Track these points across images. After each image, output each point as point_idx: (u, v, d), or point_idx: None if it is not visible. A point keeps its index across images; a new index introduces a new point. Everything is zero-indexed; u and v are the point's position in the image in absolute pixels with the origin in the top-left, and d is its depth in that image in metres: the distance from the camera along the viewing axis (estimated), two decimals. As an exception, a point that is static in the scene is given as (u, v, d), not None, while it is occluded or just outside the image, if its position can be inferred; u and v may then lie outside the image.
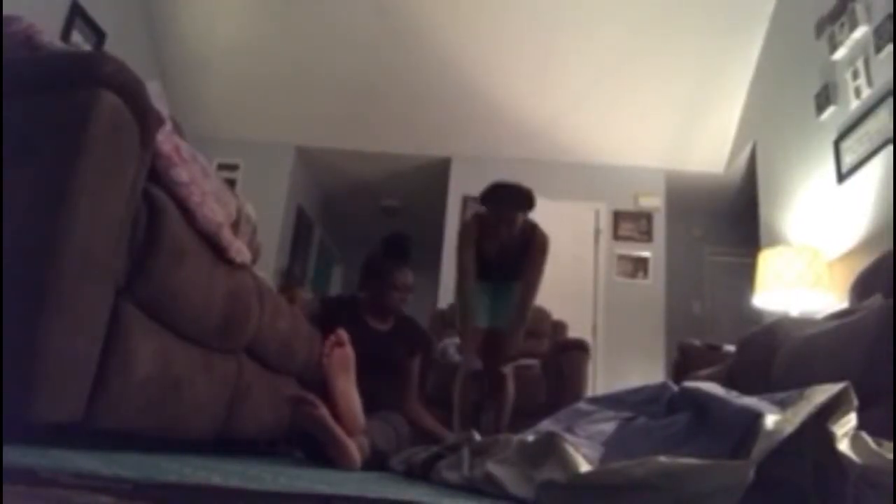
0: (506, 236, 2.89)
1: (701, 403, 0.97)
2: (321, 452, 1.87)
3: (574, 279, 5.46)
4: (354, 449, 1.84)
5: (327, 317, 2.59)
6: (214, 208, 1.47)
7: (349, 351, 2.06)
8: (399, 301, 2.65)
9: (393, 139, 5.90)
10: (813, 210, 3.78)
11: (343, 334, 2.07)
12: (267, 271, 4.19)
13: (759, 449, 0.73)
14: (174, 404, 1.41)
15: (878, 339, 1.30)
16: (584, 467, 0.89)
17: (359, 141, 5.97)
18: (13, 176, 1.00)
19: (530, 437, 1.11)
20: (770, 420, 0.75)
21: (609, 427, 1.17)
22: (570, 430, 1.20)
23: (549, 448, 0.96)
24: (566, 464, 0.90)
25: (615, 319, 5.43)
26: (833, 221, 3.50)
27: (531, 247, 2.96)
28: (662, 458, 0.77)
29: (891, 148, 2.98)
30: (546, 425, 1.31)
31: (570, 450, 0.93)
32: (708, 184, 5.91)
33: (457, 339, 3.36)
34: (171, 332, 1.39)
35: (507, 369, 3.00)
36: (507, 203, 2.85)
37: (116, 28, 4.65)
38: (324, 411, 1.84)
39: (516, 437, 1.17)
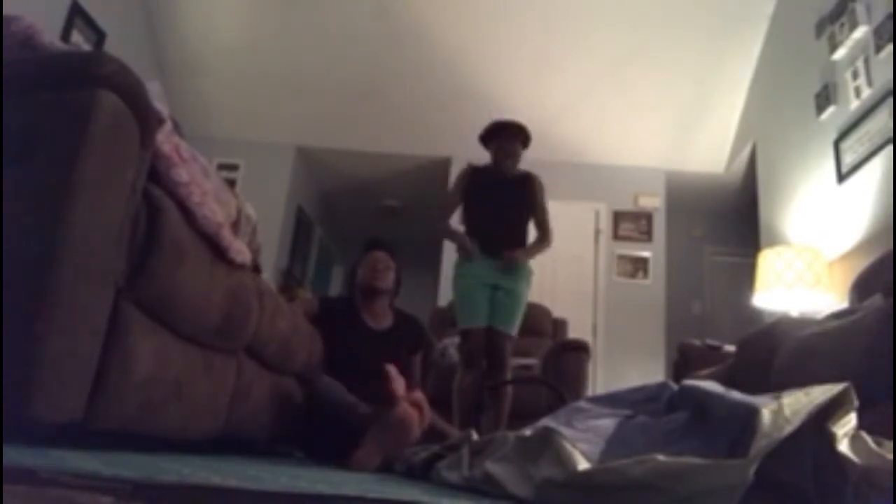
0: (508, 168, 3.23)
1: (700, 401, 0.97)
2: (336, 452, 1.90)
3: (574, 279, 5.46)
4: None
5: (325, 317, 2.59)
6: (214, 208, 1.47)
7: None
8: (378, 280, 2.67)
9: (393, 139, 5.90)
10: (813, 210, 3.78)
11: (421, 398, 2.08)
12: (267, 271, 4.19)
13: (758, 447, 0.73)
14: (174, 404, 1.40)
15: (879, 340, 1.30)
16: (582, 464, 0.89)
17: (359, 141, 5.97)
18: (13, 176, 1.00)
19: (527, 433, 1.11)
20: (766, 412, 0.75)
21: (607, 422, 1.16)
22: (568, 423, 1.20)
23: (545, 444, 0.96)
24: (563, 460, 0.90)
25: (615, 319, 5.43)
26: (833, 221, 3.49)
27: (530, 187, 3.25)
28: (661, 458, 0.77)
29: (891, 148, 2.98)
30: (545, 422, 1.31)
31: (567, 446, 0.92)
32: (708, 184, 5.91)
33: (457, 339, 3.34)
34: (171, 332, 1.39)
35: (508, 375, 3.03)
36: (510, 131, 3.30)
37: (116, 28, 4.65)
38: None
39: (514, 434, 1.17)
